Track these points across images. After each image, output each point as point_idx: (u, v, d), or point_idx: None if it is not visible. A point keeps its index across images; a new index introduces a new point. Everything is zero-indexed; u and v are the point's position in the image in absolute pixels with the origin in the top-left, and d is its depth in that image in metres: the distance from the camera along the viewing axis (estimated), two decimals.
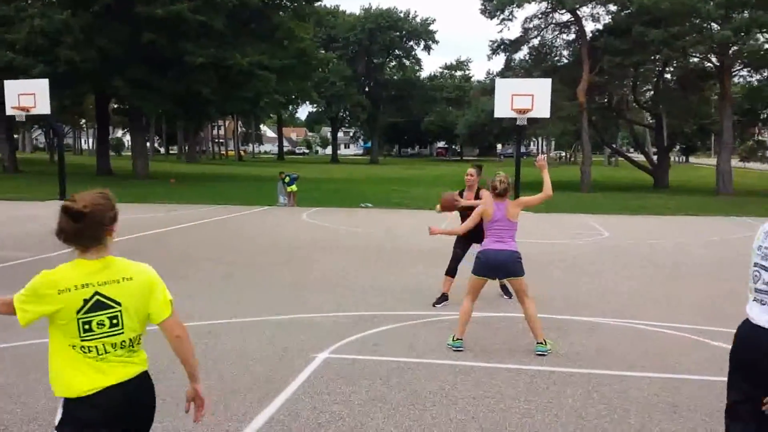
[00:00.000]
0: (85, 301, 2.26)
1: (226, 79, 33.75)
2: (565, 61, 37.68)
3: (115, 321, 2.31)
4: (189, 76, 32.07)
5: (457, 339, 5.71)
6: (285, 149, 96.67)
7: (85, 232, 2.29)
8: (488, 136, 68.29)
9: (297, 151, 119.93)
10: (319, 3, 43.17)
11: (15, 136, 41.90)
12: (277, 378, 4.94)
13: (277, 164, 63.09)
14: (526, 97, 18.12)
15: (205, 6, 31.59)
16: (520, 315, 6.03)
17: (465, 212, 7.07)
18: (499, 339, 6.12)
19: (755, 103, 35.21)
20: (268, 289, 8.25)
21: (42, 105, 20.84)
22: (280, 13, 37.62)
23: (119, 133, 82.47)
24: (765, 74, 32.95)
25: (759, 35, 28.70)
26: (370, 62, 77.55)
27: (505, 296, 7.78)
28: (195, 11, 30.72)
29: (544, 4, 34.48)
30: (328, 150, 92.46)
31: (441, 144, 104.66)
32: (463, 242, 7.51)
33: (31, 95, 20.95)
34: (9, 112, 21.59)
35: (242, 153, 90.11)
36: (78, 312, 2.25)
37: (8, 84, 21.60)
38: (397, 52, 78.94)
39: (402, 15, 75.58)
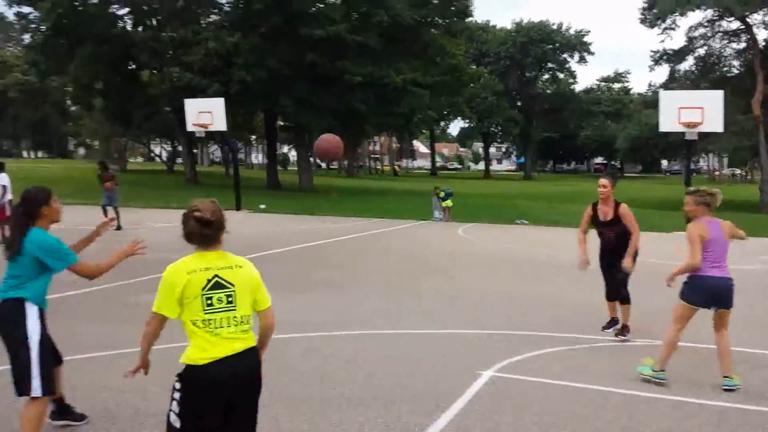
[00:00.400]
0: (208, 281, 2.81)
1: (382, 96, 34.81)
2: (736, 71, 34.76)
3: (230, 299, 2.83)
4: (348, 93, 33.44)
5: (660, 370, 5.25)
6: (437, 164, 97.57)
7: (211, 235, 2.89)
8: (652, 151, 64.46)
9: (449, 167, 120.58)
10: (470, 19, 43.30)
11: (194, 150, 45.92)
12: (443, 392, 4.96)
13: (430, 179, 63.85)
14: (695, 110, 16.92)
15: (361, 26, 32.86)
16: (688, 344, 5.60)
17: (604, 229, 6.77)
18: (676, 370, 5.72)
19: None
20: (427, 302, 8.34)
21: (219, 122, 22.66)
22: (432, 30, 38.15)
23: (285, 148, 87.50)
24: None
25: None
26: (522, 76, 76.40)
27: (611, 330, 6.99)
28: (352, 31, 32.07)
29: (710, 12, 32.17)
30: (480, 165, 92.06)
31: (599, 159, 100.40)
32: (609, 259, 6.84)
33: (208, 113, 22.85)
34: (189, 128, 23.69)
35: (397, 168, 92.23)
36: (202, 289, 2.80)
37: (188, 102, 23.73)
38: (550, 65, 77.16)
39: (555, 27, 73.81)
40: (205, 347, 2.75)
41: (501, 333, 6.82)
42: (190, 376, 2.75)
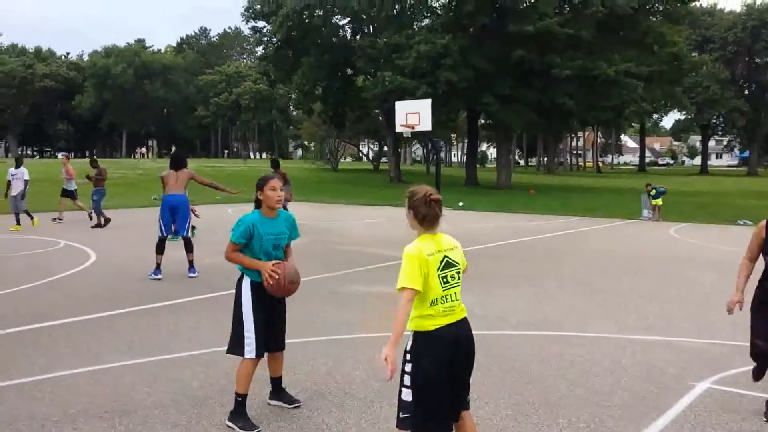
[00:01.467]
0: (440, 262, 3.20)
1: (591, 89, 33.49)
2: None
3: (458, 275, 3.28)
4: (553, 88, 32.66)
5: None
6: (647, 160, 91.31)
7: (438, 215, 3.23)
8: None
9: (660, 162, 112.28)
10: (694, 3, 39.90)
11: (399, 150, 47.86)
12: (653, 401, 4.80)
13: (637, 176, 60.00)
14: None
15: (573, 19, 31.84)
16: None
17: None
18: None
19: None
20: (632, 305, 8.00)
21: (425, 122, 23.37)
22: (651, 17, 35.81)
23: (484, 146, 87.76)
24: None
25: None
26: (752, 62, 68.63)
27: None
28: (563, 25, 31.22)
29: None
30: (696, 161, 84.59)
31: None
32: None
33: (416, 114, 23.71)
34: (398, 129, 24.81)
35: (600, 164, 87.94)
36: (438, 270, 3.18)
37: (398, 105, 24.84)
38: None
39: None
40: (438, 318, 3.17)
41: (713, 342, 6.36)
42: (424, 341, 3.17)
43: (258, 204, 4.39)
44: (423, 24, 39.00)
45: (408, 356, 3.20)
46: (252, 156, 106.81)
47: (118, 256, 11.55)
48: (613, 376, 5.35)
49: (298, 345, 5.86)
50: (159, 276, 9.37)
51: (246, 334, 4.24)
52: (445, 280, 3.19)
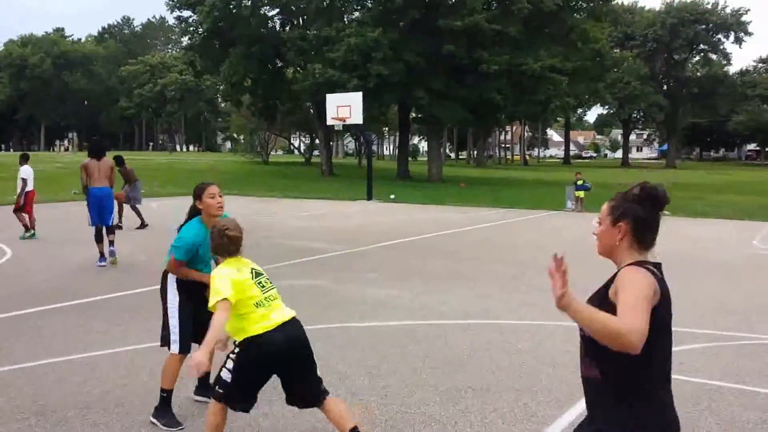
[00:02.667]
0: (251, 272, 3.50)
1: (518, 84, 34.26)
2: None
3: (270, 281, 3.57)
4: (483, 83, 33.23)
5: None
6: (571, 153, 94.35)
7: (231, 249, 3.58)
8: None
9: (584, 155, 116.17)
10: (616, 1, 41.40)
11: (330, 143, 47.70)
12: (577, 386, 4.93)
13: (562, 168, 61.93)
14: None
15: (501, 15, 32.44)
16: None
17: None
18: None
19: None
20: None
21: (356, 116, 23.50)
22: (575, 14, 36.89)
23: (415, 139, 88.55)
24: None
25: None
26: (670, 59, 71.86)
27: None
28: (491, 21, 31.79)
29: None
30: (618, 153, 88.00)
31: (752, 146, 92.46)
32: None
33: (347, 107, 23.77)
34: (329, 122, 24.77)
35: (528, 157, 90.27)
36: (252, 278, 3.46)
37: (329, 98, 24.83)
38: (702, 46, 71.82)
39: (709, 6, 68.62)
40: (262, 320, 3.38)
41: None
42: (251, 341, 3.38)
43: (195, 212, 4.22)
44: (354, 17, 38.92)
45: (236, 349, 3.44)
46: (179, 149, 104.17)
47: (34, 253, 11.03)
48: (539, 362, 5.50)
49: None
50: (104, 263, 9.60)
51: (172, 330, 4.16)
52: (261, 284, 3.47)
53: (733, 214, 19.59)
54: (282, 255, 10.92)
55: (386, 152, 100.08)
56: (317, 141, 50.97)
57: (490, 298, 7.91)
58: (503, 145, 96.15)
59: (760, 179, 42.08)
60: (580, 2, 37.31)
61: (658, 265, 2.26)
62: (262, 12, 39.25)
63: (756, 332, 6.54)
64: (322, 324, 6.44)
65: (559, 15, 34.55)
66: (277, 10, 39.89)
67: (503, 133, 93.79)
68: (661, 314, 2.09)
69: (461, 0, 33.18)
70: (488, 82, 32.94)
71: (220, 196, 4.17)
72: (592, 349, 2.11)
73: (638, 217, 2.23)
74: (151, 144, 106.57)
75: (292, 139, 74.85)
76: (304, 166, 51.77)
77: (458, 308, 7.41)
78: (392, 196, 24.09)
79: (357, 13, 39.08)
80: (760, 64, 78.30)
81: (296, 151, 72.61)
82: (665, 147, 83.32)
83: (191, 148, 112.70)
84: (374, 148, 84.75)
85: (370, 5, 38.04)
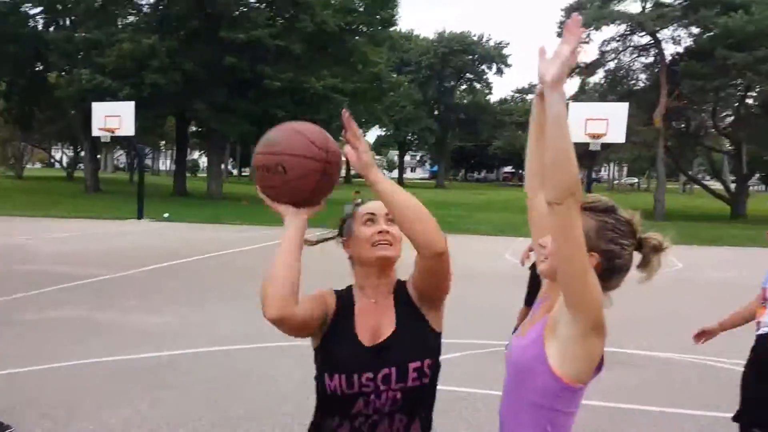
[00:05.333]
0: None
1: (301, 102, 34.63)
2: (642, 84, 36.85)
3: None
4: (266, 99, 33.06)
5: None
6: (352, 172, 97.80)
7: None
8: None
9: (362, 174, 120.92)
10: (394, 28, 43.80)
11: (98, 156, 44.06)
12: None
13: (343, 187, 63.85)
14: (601, 122, 17.83)
15: (284, 31, 32.61)
16: None
17: None
18: None
19: None
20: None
21: (127, 127, 21.86)
22: (356, 38, 38.33)
23: (195, 154, 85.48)
24: None
25: None
26: (441, 86, 77.85)
27: None
28: (275, 36, 31.82)
29: (623, 27, 34.05)
30: (394, 173, 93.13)
31: (507, 169, 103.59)
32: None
33: (116, 117, 22.02)
34: (95, 133, 22.73)
35: None
36: None
37: (96, 106, 22.78)
38: (468, 75, 78.94)
39: (476, 38, 75.74)
40: None
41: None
42: None
43: None
44: (128, 21, 36.53)
45: None
46: None
47: None
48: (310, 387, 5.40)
49: None
50: None
51: None
52: None
53: (492, 230, 21.60)
54: (37, 282, 9.70)
55: (162, 167, 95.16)
56: (82, 153, 46.76)
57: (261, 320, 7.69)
58: None
59: (514, 198, 47.17)
60: (361, 26, 38.88)
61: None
62: (23, 10, 35.24)
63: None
64: (78, 359, 5.72)
65: (341, 37, 35.68)
66: (40, 8, 36.08)
67: None
68: None
69: (245, 13, 32.83)
70: (272, 98, 32.88)
71: None
72: None
73: None
74: None
75: (53, 151, 67.87)
76: (66, 182, 47.14)
77: (236, 332, 7.09)
78: (166, 215, 22.80)
79: (132, 17, 36.79)
80: (516, 94, 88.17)
81: (57, 164, 65.92)
82: (435, 168, 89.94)
83: None
84: (149, 162, 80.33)
85: (147, 11, 36.05)
